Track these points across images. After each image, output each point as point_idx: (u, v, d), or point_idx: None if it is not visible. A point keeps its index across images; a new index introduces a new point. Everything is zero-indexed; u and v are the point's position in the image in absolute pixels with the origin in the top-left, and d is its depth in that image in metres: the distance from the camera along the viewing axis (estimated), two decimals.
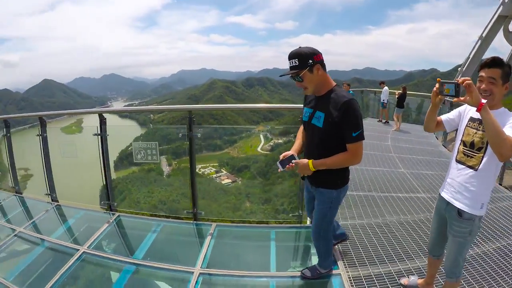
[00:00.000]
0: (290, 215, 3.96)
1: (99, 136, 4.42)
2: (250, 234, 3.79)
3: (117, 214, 4.47)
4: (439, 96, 1.88)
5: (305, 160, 2.18)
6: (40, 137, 5.15)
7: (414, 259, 3.20)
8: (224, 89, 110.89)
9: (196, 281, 2.83)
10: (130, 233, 4.24)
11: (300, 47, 2.07)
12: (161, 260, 3.25)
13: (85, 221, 4.62)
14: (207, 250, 3.36)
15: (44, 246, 3.92)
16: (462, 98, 1.72)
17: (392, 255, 3.28)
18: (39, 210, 4.97)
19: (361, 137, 2.07)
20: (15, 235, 4.23)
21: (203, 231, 3.86)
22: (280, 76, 2.23)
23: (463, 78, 1.69)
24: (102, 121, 4.42)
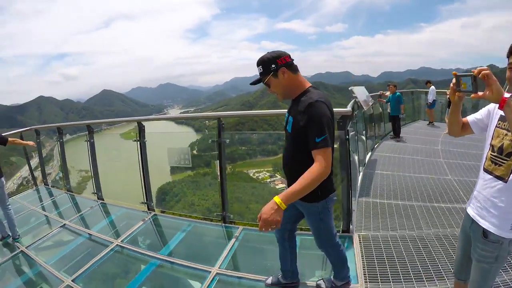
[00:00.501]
0: None
1: (138, 142, 4.79)
2: (275, 239, 3.83)
3: (153, 213, 4.80)
4: (457, 93, 1.55)
5: (270, 203, 1.81)
6: (88, 142, 5.78)
7: (445, 279, 2.79)
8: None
9: (211, 280, 2.95)
10: (161, 231, 4.54)
11: (267, 52, 2.00)
12: (184, 258, 3.44)
13: (124, 218, 5.04)
14: (229, 251, 3.46)
15: (84, 238, 4.40)
16: (480, 94, 1.41)
17: (421, 273, 2.93)
18: (85, 206, 5.60)
19: (326, 143, 1.83)
20: (62, 227, 4.82)
21: (229, 233, 3.99)
22: (250, 84, 2.11)
23: (479, 69, 1.39)
24: (141, 129, 4.82)
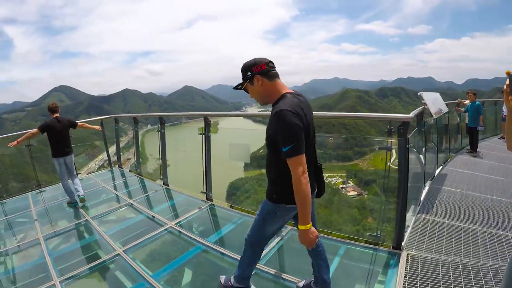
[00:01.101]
0: (367, 234, 3.83)
1: (203, 136, 5.18)
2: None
3: (210, 203, 5.13)
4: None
5: (300, 234, 2.05)
6: (159, 132, 6.39)
7: None
8: (357, 98, 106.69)
9: None
10: (213, 220, 4.84)
11: (250, 60, 2.12)
12: (228, 247, 3.68)
13: (183, 204, 5.50)
14: (271, 249, 3.54)
15: (143, 216, 4.98)
16: None
17: None
18: (151, 189, 6.34)
19: (293, 152, 1.87)
20: (126, 205, 5.54)
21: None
22: (233, 88, 2.26)
23: None
24: (207, 123, 5.18)
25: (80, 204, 5.57)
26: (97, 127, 6.41)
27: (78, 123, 5.87)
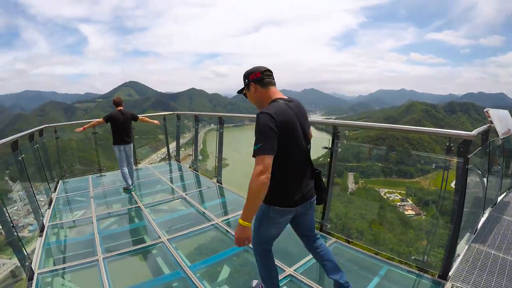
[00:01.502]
0: (413, 257, 3.57)
1: None
2: (362, 261, 3.66)
3: None
4: None
5: (238, 227, 2.07)
6: (218, 132, 6.56)
7: None
8: (423, 112, 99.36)
9: (283, 278, 3.09)
10: None
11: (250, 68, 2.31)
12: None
13: (232, 203, 5.61)
14: (311, 258, 3.44)
15: (192, 210, 5.17)
16: None
17: None
18: (204, 185, 6.57)
19: (261, 150, 1.94)
20: (179, 197, 5.82)
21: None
22: (237, 92, 2.41)
23: None
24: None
25: (128, 192, 6.07)
26: (156, 121, 6.82)
27: (139, 117, 6.46)
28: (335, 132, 3.97)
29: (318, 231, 3.98)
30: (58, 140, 7.03)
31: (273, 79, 2.29)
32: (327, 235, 3.96)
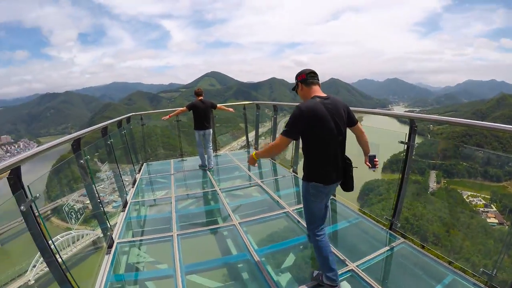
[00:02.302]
0: (481, 270, 3.15)
1: None
2: (427, 266, 3.41)
3: (332, 197, 5.02)
4: None
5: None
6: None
7: None
8: None
9: (344, 273, 3.07)
10: (331, 215, 4.71)
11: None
12: (334, 243, 3.57)
13: None
14: (376, 256, 3.20)
15: (265, 197, 5.34)
16: None
17: None
18: (280, 174, 6.78)
19: (284, 132, 2.56)
20: (254, 184, 6.05)
21: (389, 240, 3.61)
22: (292, 89, 2.89)
23: None
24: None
25: (202, 168, 7.03)
26: (231, 109, 7.35)
27: (218, 106, 7.12)
28: (412, 126, 3.68)
29: (388, 229, 3.82)
30: (144, 126, 7.73)
31: (317, 79, 2.76)
32: (396, 234, 3.77)
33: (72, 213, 2.98)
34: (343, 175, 2.74)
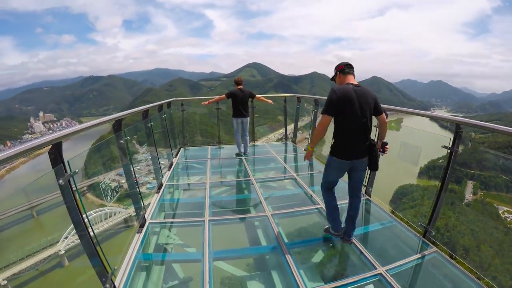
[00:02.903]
0: None
1: None
2: (456, 278, 3.26)
3: (367, 197, 4.93)
4: None
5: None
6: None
7: None
8: None
9: (371, 276, 2.99)
10: (364, 215, 4.64)
11: None
12: (363, 243, 3.52)
13: (341, 191, 5.35)
14: (407, 263, 3.13)
15: (300, 191, 5.34)
16: None
17: None
18: (316, 169, 6.58)
19: (323, 111, 3.11)
20: (290, 177, 6.07)
21: (421, 248, 3.54)
22: (331, 79, 3.40)
23: None
24: None
25: (244, 161, 7.00)
26: (270, 101, 7.48)
27: (257, 96, 7.40)
28: (457, 131, 3.52)
29: (422, 236, 3.69)
30: (184, 112, 7.91)
31: (352, 70, 3.25)
32: (428, 242, 3.64)
33: (108, 191, 3.11)
34: (368, 153, 3.21)
